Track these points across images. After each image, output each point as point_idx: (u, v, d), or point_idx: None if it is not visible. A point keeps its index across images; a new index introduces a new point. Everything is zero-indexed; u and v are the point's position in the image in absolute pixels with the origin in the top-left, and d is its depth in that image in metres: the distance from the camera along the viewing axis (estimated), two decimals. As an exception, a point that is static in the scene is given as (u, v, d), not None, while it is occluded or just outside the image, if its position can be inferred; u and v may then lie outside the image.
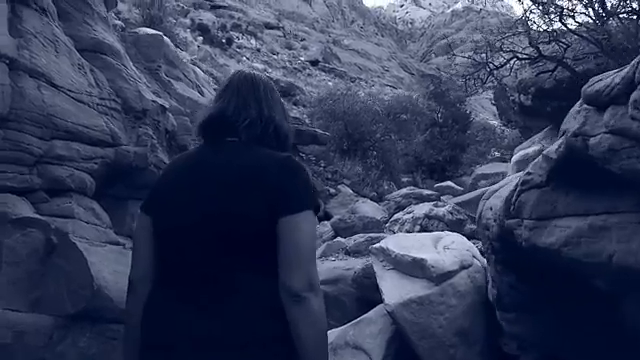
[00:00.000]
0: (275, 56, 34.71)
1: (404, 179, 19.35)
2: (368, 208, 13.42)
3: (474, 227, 10.39)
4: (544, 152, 2.38)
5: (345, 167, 16.69)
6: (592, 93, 2.26)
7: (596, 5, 8.77)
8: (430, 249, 5.61)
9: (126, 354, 1.54)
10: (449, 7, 54.24)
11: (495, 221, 2.92)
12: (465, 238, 6.37)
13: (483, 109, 38.04)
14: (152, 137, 5.45)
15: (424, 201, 11.75)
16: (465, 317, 5.25)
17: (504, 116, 23.01)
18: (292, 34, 40.27)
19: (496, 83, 10.67)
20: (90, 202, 4.69)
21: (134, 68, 5.98)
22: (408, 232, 10.40)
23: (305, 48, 38.23)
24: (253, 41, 35.26)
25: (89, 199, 4.70)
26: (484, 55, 9.67)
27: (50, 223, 4.11)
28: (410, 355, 4.69)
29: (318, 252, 10.38)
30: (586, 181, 2.29)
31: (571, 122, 2.41)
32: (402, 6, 60.77)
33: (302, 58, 36.11)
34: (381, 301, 5.69)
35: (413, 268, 5.45)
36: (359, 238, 9.91)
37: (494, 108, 39.18)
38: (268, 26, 39.16)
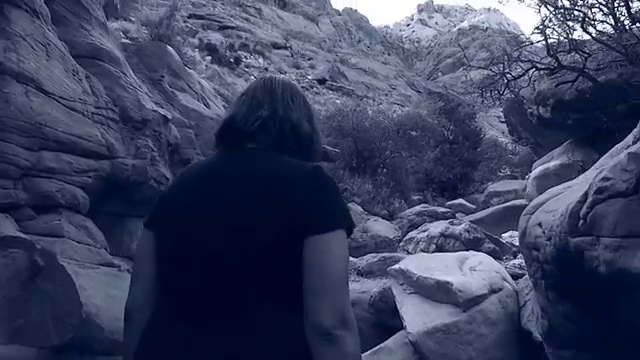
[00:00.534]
0: (283, 75, 34.47)
1: (415, 197, 18.85)
2: (380, 227, 12.92)
3: (492, 246, 9.87)
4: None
5: (355, 185, 16.19)
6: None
7: (618, 12, 8.31)
8: (455, 271, 5.08)
9: None
10: (455, 26, 54.23)
11: (550, 240, 2.42)
12: (492, 258, 5.85)
13: (491, 127, 37.63)
14: (152, 149, 5.00)
15: (439, 219, 11.25)
16: (497, 348, 4.69)
17: (515, 132, 22.57)
18: (299, 53, 40.27)
19: (512, 95, 10.18)
20: (83, 219, 4.22)
21: (134, 76, 5.56)
22: (423, 251, 9.86)
23: (312, 67, 38.17)
24: (261, 60, 35.22)
25: (81, 216, 4.22)
26: (501, 65, 9.21)
27: (35, 243, 3.63)
28: (437, 391, 4.14)
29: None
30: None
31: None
32: (408, 25, 60.91)
33: (310, 77, 36.03)
34: (401, 327, 5.15)
35: (437, 292, 4.92)
36: (372, 258, 9.40)
37: (502, 126, 38.84)
38: (276, 46, 39.22)
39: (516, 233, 10.93)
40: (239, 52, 33.04)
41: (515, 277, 6.03)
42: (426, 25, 60.77)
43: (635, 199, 1.73)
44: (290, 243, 1.16)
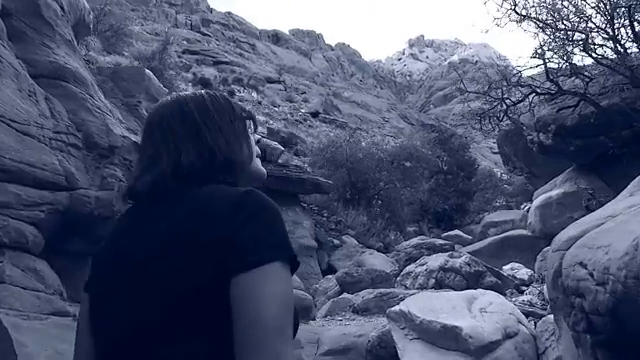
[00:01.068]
0: (276, 108, 34.49)
1: (410, 228, 18.34)
2: (376, 260, 12.26)
3: (494, 280, 9.22)
4: None
5: (349, 217, 15.62)
6: None
7: (619, 34, 7.90)
8: (463, 312, 4.44)
9: None
10: (446, 60, 54.57)
11: (604, 285, 1.81)
12: (503, 297, 5.20)
13: (484, 157, 37.37)
14: (121, 179, 4.37)
15: (437, 251, 10.60)
16: (516, 404, 4.03)
17: (509, 162, 22.19)
18: (293, 87, 40.31)
19: (511, 122, 9.68)
20: (33, 261, 3.57)
21: (104, 100, 4.98)
22: (422, 286, 9.23)
23: (306, 101, 38.12)
24: (254, 94, 35.12)
25: (31, 257, 3.57)
26: (499, 91, 8.73)
27: (-31, 290, 2.98)
28: None
29: (323, 310, 9.17)
30: None
31: None
32: (400, 59, 61.31)
33: (303, 110, 35.92)
34: (403, 379, 4.48)
35: (444, 338, 4.26)
36: (368, 294, 8.77)
37: (495, 157, 38.73)
38: (269, 80, 39.26)
39: (517, 265, 10.45)
40: (233, 86, 32.95)
41: (526, 316, 5.39)
42: (417, 59, 61.17)
43: None
44: (216, 294, 0.95)
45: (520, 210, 20.21)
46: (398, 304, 5.39)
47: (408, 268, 9.79)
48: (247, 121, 1.24)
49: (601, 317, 1.90)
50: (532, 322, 5.06)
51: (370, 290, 9.01)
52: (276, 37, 47.38)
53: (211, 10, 46.74)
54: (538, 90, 8.40)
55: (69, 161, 3.99)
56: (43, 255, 3.77)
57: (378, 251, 13.84)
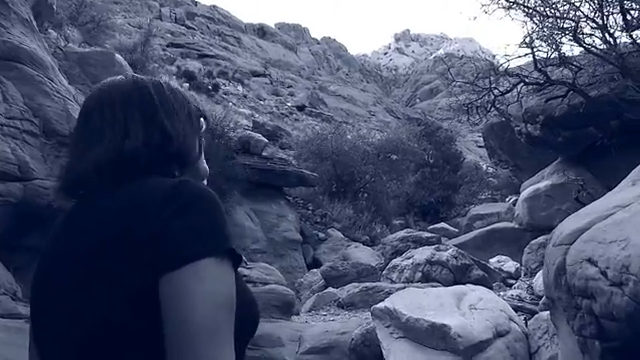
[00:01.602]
0: (262, 102, 34.10)
1: (396, 222, 18.14)
2: (361, 254, 12.02)
3: (481, 273, 9.00)
4: None
5: (335, 210, 15.37)
6: None
7: (608, 22, 7.66)
8: (452, 310, 4.15)
9: None
10: (431, 54, 54.40)
11: (619, 285, 1.52)
12: (494, 293, 4.94)
13: (469, 151, 37.30)
14: (84, 169, 3.99)
15: (423, 244, 10.36)
16: (508, 407, 3.75)
17: (495, 155, 22.05)
18: (279, 81, 39.91)
19: (498, 113, 9.42)
20: (-20, 257, 3.20)
21: (66, 84, 4.59)
22: (408, 280, 8.98)
23: (292, 94, 37.76)
24: (240, 87, 34.66)
25: (-21, 254, 3.20)
26: (487, 81, 8.46)
27: None
28: None
29: (307, 305, 8.90)
30: None
31: None
32: (386, 54, 61.01)
33: (289, 103, 35.58)
34: (389, 380, 4.19)
35: (431, 337, 3.97)
36: (353, 288, 8.51)
37: (480, 150, 38.72)
38: (255, 74, 38.80)
39: (504, 258, 10.24)
40: (217, 79, 32.43)
41: (515, 311, 5.14)
42: (403, 53, 60.89)
43: None
44: (147, 296, 0.84)
45: (506, 203, 20.11)
46: (384, 299, 5.11)
47: (394, 261, 9.54)
48: (200, 120, 1.15)
49: (616, 322, 1.62)
50: (522, 318, 4.81)
51: (355, 284, 8.78)
52: (262, 31, 46.80)
53: (196, 3, 45.99)
54: (527, 80, 8.14)
55: (23, 149, 3.62)
56: (-5, 252, 3.40)
57: (364, 244, 13.62)
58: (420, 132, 20.43)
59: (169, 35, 37.70)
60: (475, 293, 4.37)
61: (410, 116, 39.02)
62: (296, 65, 43.12)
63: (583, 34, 7.87)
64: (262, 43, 43.94)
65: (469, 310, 4.09)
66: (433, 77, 47.63)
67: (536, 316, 3.89)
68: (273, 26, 49.19)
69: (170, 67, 29.57)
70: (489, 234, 11.77)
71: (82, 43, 13.16)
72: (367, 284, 8.71)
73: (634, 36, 7.16)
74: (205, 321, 0.82)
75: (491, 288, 7.36)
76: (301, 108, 34.67)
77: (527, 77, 8.14)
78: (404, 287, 7.21)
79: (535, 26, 8.04)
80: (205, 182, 1.13)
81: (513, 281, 8.66)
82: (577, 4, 7.75)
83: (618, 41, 7.81)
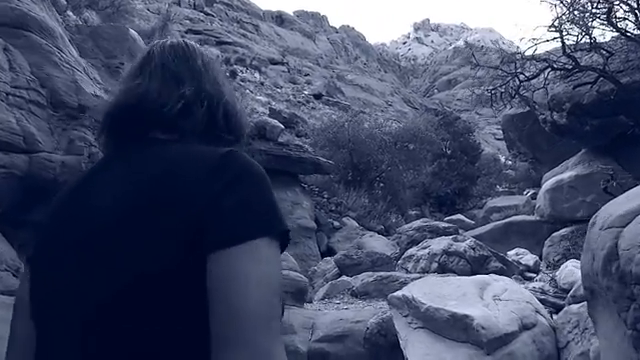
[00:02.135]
0: (279, 90, 33.91)
1: (412, 212, 17.88)
2: (376, 243, 11.79)
3: (499, 265, 8.71)
4: None
5: (350, 199, 15.14)
6: None
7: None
8: (475, 300, 3.90)
9: None
10: (451, 44, 53.54)
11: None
12: (518, 284, 4.68)
13: (487, 143, 36.73)
14: (91, 144, 3.81)
15: (440, 235, 10.10)
16: (534, 405, 3.52)
17: (514, 147, 21.56)
18: (296, 69, 39.65)
19: (522, 100, 9.03)
20: (-20, 231, 3.04)
21: (75, 55, 4.41)
22: (424, 270, 8.74)
23: (309, 83, 37.52)
24: (257, 75, 34.50)
25: (-21, 227, 3.05)
26: (512, 65, 8.10)
27: None
28: None
29: (320, 293, 8.73)
30: None
31: None
32: (405, 43, 60.22)
33: (306, 92, 35.35)
34: (405, 371, 3.97)
35: (453, 328, 3.75)
36: (367, 277, 8.31)
37: (498, 142, 38.18)
38: (272, 61, 38.61)
39: (522, 251, 9.94)
40: (235, 66, 32.29)
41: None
42: (422, 43, 59.99)
43: None
44: (189, 273, 0.76)
45: (524, 196, 19.71)
46: (399, 289, 4.88)
47: (410, 251, 9.31)
48: None
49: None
50: (546, 311, 4.55)
51: (370, 273, 8.60)
52: (280, 18, 46.43)
53: (215, -11, 45.73)
54: (554, 65, 7.76)
55: (29, 120, 3.45)
56: (-2, 226, 3.24)
57: (379, 234, 13.39)
58: (438, 122, 20.04)
59: (188, 22, 37.65)
60: (499, 283, 4.12)
61: (428, 107, 38.53)
62: (314, 53, 42.76)
63: (616, 18, 7.48)
64: (280, 31, 43.64)
65: (493, 301, 3.84)
66: (452, 68, 46.89)
67: (565, 309, 3.64)
68: (292, 14, 48.75)
69: (188, 54, 29.51)
70: (506, 227, 11.54)
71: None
72: (382, 273, 8.54)
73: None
74: (259, 307, 0.75)
75: (511, 280, 7.10)
76: (318, 96, 34.41)
77: (555, 62, 7.76)
78: (420, 277, 6.99)
79: (565, 9, 7.66)
80: None
81: (532, 274, 8.38)
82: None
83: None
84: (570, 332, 3.51)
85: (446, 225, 11.07)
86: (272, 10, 47.19)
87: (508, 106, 9.25)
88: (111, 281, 0.80)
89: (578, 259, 6.30)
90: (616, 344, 1.98)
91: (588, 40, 7.52)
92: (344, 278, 8.82)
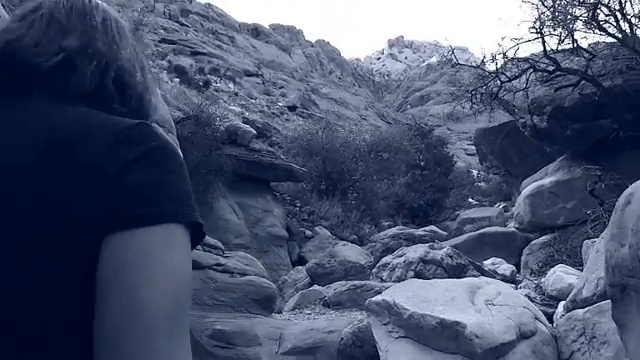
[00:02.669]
0: (253, 100, 33.42)
1: (385, 223, 17.49)
2: (349, 252, 11.28)
3: (477, 274, 8.30)
4: None
5: (323, 208, 14.68)
6: None
7: (625, 8, 7.00)
8: (465, 304, 3.37)
9: None
10: (424, 61, 53.97)
11: None
12: (512, 288, 4.19)
13: (458, 158, 36.89)
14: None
15: (416, 242, 9.66)
16: None
17: (486, 161, 21.50)
18: (271, 81, 39.30)
19: (499, 104, 8.70)
20: None
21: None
22: (399, 279, 8.24)
23: (284, 95, 37.19)
24: (231, 85, 33.97)
25: None
26: (493, 64, 7.73)
27: None
28: None
29: (290, 303, 8.17)
30: None
31: None
32: (379, 59, 60.55)
33: (280, 104, 34.98)
34: (385, 388, 3.40)
35: (441, 337, 3.20)
36: (340, 287, 7.78)
37: (469, 158, 38.42)
38: (247, 73, 38.18)
39: (498, 260, 9.58)
40: (209, 76, 31.70)
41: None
42: (396, 59, 60.38)
43: None
44: (75, 256, 0.62)
45: (497, 208, 19.56)
46: (375, 296, 4.34)
47: (385, 259, 8.83)
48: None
49: None
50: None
51: (343, 282, 8.11)
52: (256, 31, 46.06)
53: (191, 0, 45.19)
54: (537, 66, 7.43)
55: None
56: None
57: (352, 244, 12.94)
58: (413, 133, 19.85)
59: (162, 31, 36.94)
60: (491, 286, 3.60)
61: (401, 122, 38.59)
62: (289, 67, 42.50)
63: (598, 20, 7.21)
64: (256, 43, 43.29)
65: (485, 306, 3.32)
66: (425, 84, 47.20)
67: (568, 315, 3.14)
68: (267, 27, 48.47)
69: (161, 62, 28.86)
70: (480, 238, 11.39)
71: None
72: (355, 282, 8.07)
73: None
74: (165, 302, 0.59)
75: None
76: (292, 108, 34.07)
77: (538, 62, 7.44)
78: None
79: (546, 9, 7.36)
80: None
81: (510, 284, 8.01)
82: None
83: (635, 28, 7.16)
84: (575, 341, 3.01)
85: (422, 233, 10.66)
86: (248, 23, 46.82)
87: (488, 108, 8.90)
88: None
89: (565, 265, 5.90)
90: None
91: (570, 43, 7.23)
92: (316, 287, 8.31)
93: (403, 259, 8.76)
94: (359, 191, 16.48)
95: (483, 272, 8.52)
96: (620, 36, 7.23)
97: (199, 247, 5.32)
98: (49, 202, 0.63)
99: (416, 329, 3.25)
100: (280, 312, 7.19)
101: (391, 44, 69.62)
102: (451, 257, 8.58)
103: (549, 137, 7.90)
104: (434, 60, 49.75)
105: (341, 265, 9.33)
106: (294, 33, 50.52)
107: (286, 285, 9.83)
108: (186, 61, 31.79)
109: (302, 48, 48.05)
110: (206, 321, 4.70)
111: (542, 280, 5.67)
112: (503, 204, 20.12)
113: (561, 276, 5.11)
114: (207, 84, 29.46)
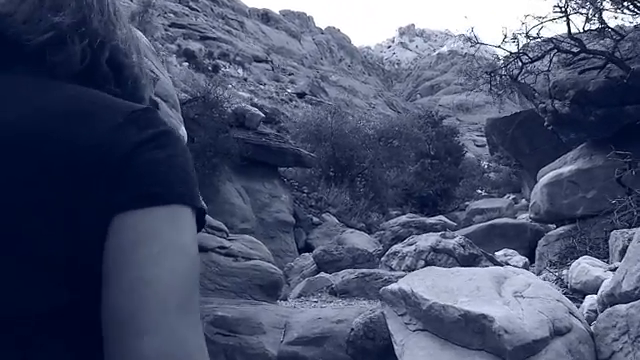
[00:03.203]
0: (262, 86, 33.07)
1: (393, 212, 17.18)
2: (357, 239, 10.96)
3: (490, 265, 7.99)
4: None
5: (331, 194, 14.36)
6: None
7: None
8: (492, 295, 3.02)
9: None
10: (435, 50, 53.24)
11: None
12: (543, 281, 3.84)
13: (467, 150, 36.44)
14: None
15: (427, 231, 9.33)
16: None
17: (496, 151, 21.06)
18: (280, 68, 38.88)
19: (518, 86, 8.25)
20: None
21: None
22: (409, 268, 7.92)
23: (293, 82, 36.81)
24: (240, 71, 33.60)
25: None
26: (515, 44, 7.29)
27: None
28: None
29: (296, 290, 7.90)
30: None
31: None
32: (389, 47, 59.80)
33: (289, 90, 34.62)
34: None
35: (464, 331, 2.87)
36: (348, 275, 7.46)
37: (478, 149, 37.89)
38: (257, 59, 37.79)
39: (511, 251, 9.23)
40: (218, 60, 31.34)
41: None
42: (407, 48, 59.59)
43: None
44: (79, 236, 0.60)
45: (507, 199, 19.17)
46: (382, 287, 4.01)
47: (395, 247, 8.49)
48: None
49: None
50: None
51: (351, 270, 7.80)
52: (266, 16, 45.52)
53: (201, -15, 44.67)
54: (560, 47, 6.99)
55: None
56: None
57: (359, 231, 12.65)
58: (424, 120, 19.43)
59: (172, 15, 36.61)
60: (520, 277, 3.24)
61: (410, 110, 38.12)
62: (299, 53, 42.00)
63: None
64: (265, 29, 42.79)
65: (514, 298, 2.97)
66: (435, 73, 46.53)
67: (609, 310, 2.79)
68: (278, 13, 47.89)
69: (170, 45, 28.55)
70: (489, 229, 11.13)
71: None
72: (364, 270, 7.76)
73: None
74: (176, 280, 0.59)
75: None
76: (301, 95, 33.70)
77: (562, 42, 7.00)
78: (404, 276, 6.17)
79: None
80: None
81: (524, 276, 7.66)
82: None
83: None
84: (616, 340, 2.66)
85: (433, 221, 10.32)
86: (258, 8, 46.28)
87: (507, 91, 8.45)
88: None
89: (590, 256, 5.54)
90: None
91: (597, 23, 6.79)
92: (323, 275, 8.02)
93: (414, 247, 8.44)
94: (368, 179, 16.16)
95: (496, 263, 8.20)
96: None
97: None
98: (50, 183, 0.61)
99: (436, 321, 2.92)
100: (285, 299, 6.92)
101: (402, 32, 68.62)
102: (463, 247, 8.24)
103: (570, 123, 7.47)
104: (445, 49, 49.03)
105: (349, 253, 9.06)
106: (304, 19, 49.89)
107: (292, 272, 9.58)
108: (195, 45, 31.45)
109: (312, 35, 47.47)
110: (207, 307, 4.40)
111: (564, 272, 5.31)
112: (512, 196, 19.77)
113: (586, 268, 4.75)
114: (216, 69, 29.12)
